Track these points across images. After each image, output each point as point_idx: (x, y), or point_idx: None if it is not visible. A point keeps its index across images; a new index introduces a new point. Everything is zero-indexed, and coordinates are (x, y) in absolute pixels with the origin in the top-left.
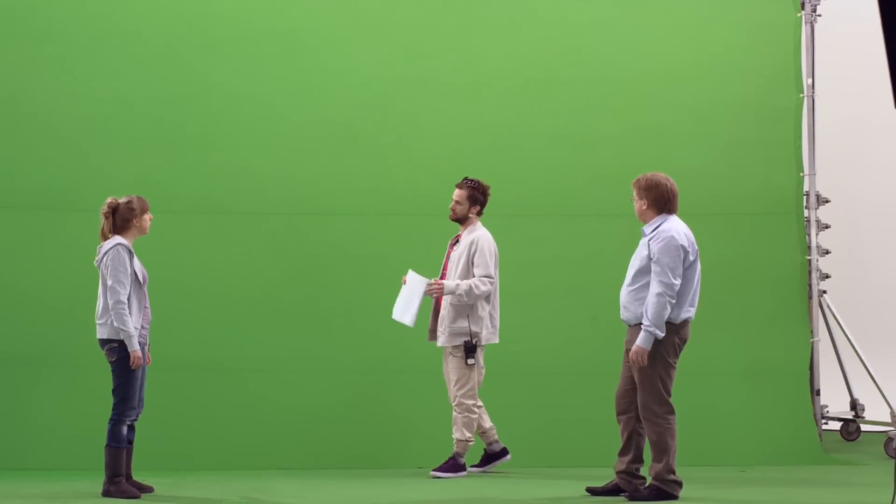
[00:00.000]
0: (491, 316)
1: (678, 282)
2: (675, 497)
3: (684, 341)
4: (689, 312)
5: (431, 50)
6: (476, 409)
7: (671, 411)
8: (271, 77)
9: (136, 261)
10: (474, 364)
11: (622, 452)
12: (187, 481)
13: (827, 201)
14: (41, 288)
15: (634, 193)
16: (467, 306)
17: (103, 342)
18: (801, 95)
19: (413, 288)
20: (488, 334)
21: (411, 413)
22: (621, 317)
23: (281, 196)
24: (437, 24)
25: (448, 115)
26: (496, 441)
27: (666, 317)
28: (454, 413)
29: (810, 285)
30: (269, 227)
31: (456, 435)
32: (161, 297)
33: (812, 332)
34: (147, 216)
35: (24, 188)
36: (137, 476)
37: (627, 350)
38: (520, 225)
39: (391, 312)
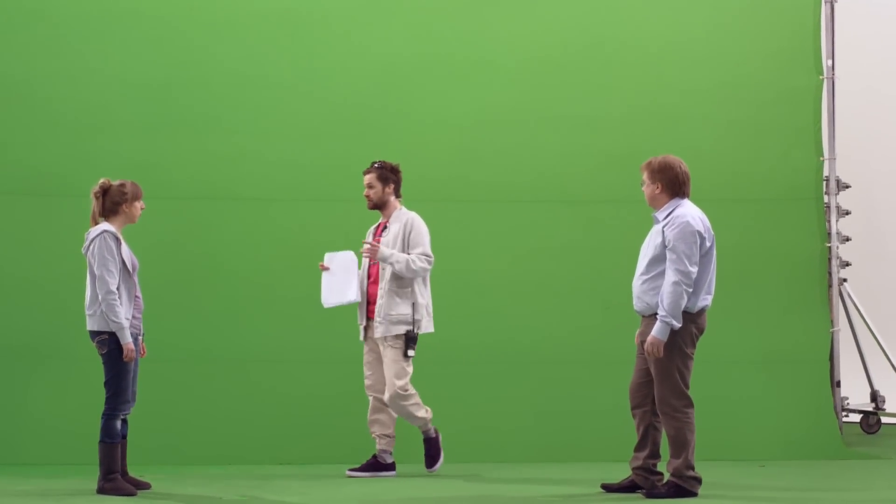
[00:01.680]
0: (427, 303)
1: (695, 269)
2: (694, 494)
3: (701, 331)
4: (706, 301)
5: (438, 32)
6: (415, 391)
7: (690, 404)
8: (274, 58)
9: (124, 248)
10: (413, 356)
11: (638, 448)
12: (186, 477)
13: (847, 186)
14: (35, 276)
15: (645, 177)
16: (409, 292)
17: (93, 334)
18: (821, 77)
19: (344, 264)
20: (426, 323)
21: None
22: (635, 307)
23: (284, 181)
24: (444, 5)
25: (455, 99)
26: (390, 452)
27: (682, 306)
28: (397, 409)
29: (830, 273)
30: (271, 213)
31: (416, 423)
32: (160, 285)
33: (832, 321)
34: (138, 204)
35: (17, 173)
36: (134, 470)
37: (642, 342)
38: (527, 211)
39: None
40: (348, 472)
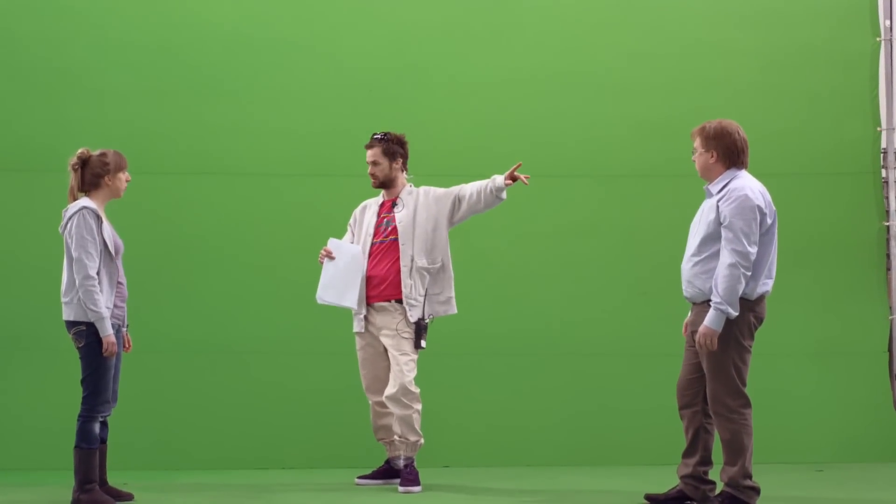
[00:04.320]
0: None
1: (754, 250)
2: None
3: (761, 320)
4: (766, 286)
5: None
6: (421, 400)
7: (747, 404)
8: (277, 18)
9: (106, 227)
10: (424, 347)
11: (687, 454)
12: (174, 485)
13: None
14: (13, 259)
15: (697, 144)
16: (445, 278)
17: (69, 324)
18: (878, 39)
19: (350, 259)
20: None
21: (436, 402)
22: (684, 293)
23: (287, 155)
24: None
25: (477, 63)
26: (401, 457)
27: (740, 292)
28: (398, 409)
29: (889, 255)
30: (273, 189)
31: (410, 437)
32: (148, 269)
33: (891, 308)
34: (122, 175)
35: None
36: (115, 477)
37: (693, 332)
38: (558, 187)
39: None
40: (358, 481)
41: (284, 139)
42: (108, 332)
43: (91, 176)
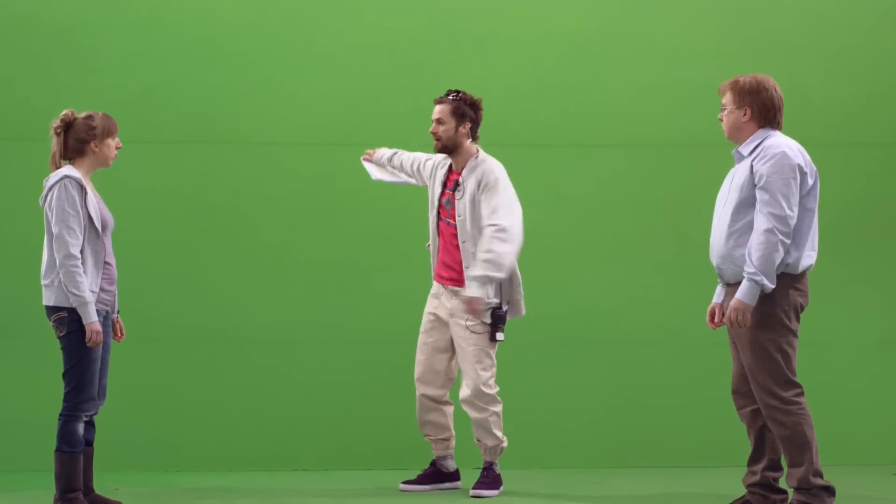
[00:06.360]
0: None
1: (794, 213)
2: None
3: (807, 299)
4: (810, 258)
5: None
6: (500, 400)
7: (801, 392)
8: None
9: (91, 199)
10: (502, 340)
11: (753, 459)
12: (172, 490)
13: None
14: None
15: (727, 100)
16: (511, 280)
17: (50, 310)
18: None
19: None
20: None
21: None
22: (720, 274)
23: (300, 122)
24: None
25: (510, 23)
26: (451, 456)
27: (778, 261)
28: (473, 412)
29: None
30: (284, 160)
31: (488, 442)
32: (143, 247)
33: None
34: (111, 142)
35: None
36: (104, 480)
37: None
38: (597, 157)
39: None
40: (402, 486)
41: (297, 105)
42: (91, 318)
43: (75, 141)
